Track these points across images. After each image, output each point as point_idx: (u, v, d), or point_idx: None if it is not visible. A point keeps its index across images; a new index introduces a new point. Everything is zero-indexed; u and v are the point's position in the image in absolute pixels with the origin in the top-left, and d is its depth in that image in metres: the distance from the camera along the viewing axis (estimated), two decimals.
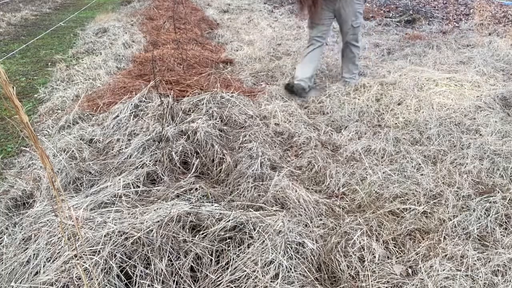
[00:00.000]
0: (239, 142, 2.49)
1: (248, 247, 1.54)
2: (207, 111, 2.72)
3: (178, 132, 2.36)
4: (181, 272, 1.42)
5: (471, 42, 5.21)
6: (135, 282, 1.37)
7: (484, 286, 1.52)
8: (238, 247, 1.56)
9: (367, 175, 2.24)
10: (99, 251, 1.39)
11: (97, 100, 3.02)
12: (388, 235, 1.78)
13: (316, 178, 2.30)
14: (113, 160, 2.19)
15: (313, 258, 1.58)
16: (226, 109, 2.79)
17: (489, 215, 1.88)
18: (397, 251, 1.71)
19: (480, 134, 2.72)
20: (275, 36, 5.69)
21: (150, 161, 2.11)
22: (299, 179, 2.25)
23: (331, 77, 3.95)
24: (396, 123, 2.98)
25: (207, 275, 1.45)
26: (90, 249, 1.39)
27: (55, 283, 1.31)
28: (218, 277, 1.45)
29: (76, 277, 1.32)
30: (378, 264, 1.63)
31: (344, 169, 2.32)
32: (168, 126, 2.40)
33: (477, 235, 1.79)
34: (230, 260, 1.50)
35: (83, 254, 1.35)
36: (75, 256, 1.36)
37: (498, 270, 1.58)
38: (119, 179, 1.90)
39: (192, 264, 1.47)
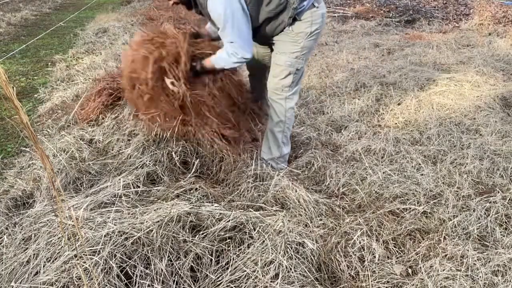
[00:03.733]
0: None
1: (248, 247, 1.54)
2: None
3: None
4: (181, 272, 1.42)
5: (471, 42, 5.21)
6: (135, 282, 1.37)
7: (484, 286, 1.51)
8: (238, 247, 1.56)
9: (367, 175, 2.24)
10: (99, 251, 1.39)
11: None
12: (388, 235, 1.78)
13: (316, 178, 2.30)
14: (113, 160, 2.19)
15: (313, 258, 1.58)
16: None
17: (489, 215, 1.88)
18: (397, 251, 1.71)
19: (480, 134, 2.72)
20: None
21: (150, 161, 2.11)
22: (299, 179, 2.25)
23: (330, 77, 3.95)
24: (396, 123, 2.98)
25: (207, 275, 1.45)
26: (90, 249, 1.39)
27: (55, 283, 1.31)
28: (218, 277, 1.45)
29: (76, 277, 1.32)
30: (378, 264, 1.63)
31: (344, 169, 2.32)
32: None
33: (477, 235, 1.79)
34: (230, 260, 1.50)
35: (83, 254, 1.35)
36: (75, 256, 1.36)
37: (498, 270, 1.58)
38: (119, 179, 1.90)
39: (192, 264, 1.47)
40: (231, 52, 1.96)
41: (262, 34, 2.10)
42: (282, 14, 1.99)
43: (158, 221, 1.54)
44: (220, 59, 2.04)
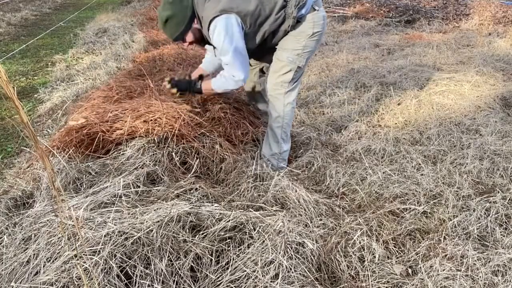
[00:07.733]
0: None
1: (248, 247, 1.54)
2: None
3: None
4: (181, 272, 1.42)
5: (471, 42, 5.21)
6: (135, 282, 1.37)
7: (484, 286, 1.51)
8: (238, 247, 1.56)
9: (367, 175, 2.24)
10: (99, 251, 1.39)
11: None
12: (388, 235, 1.78)
13: (316, 178, 2.30)
14: (113, 160, 2.18)
15: (313, 258, 1.58)
16: None
17: (489, 215, 1.88)
18: (397, 251, 1.71)
19: (480, 134, 2.72)
20: None
21: (150, 161, 2.11)
22: (299, 179, 2.25)
23: (330, 78, 3.95)
24: (396, 123, 2.98)
25: (207, 275, 1.45)
26: (90, 249, 1.39)
27: (55, 283, 1.31)
28: (218, 277, 1.45)
29: (76, 277, 1.32)
30: (378, 264, 1.63)
31: (344, 169, 2.32)
32: None
33: (477, 235, 1.79)
34: (230, 260, 1.50)
35: (83, 254, 1.35)
36: (75, 256, 1.36)
37: (498, 270, 1.58)
38: (119, 179, 1.90)
39: (192, 264, 1.47)
40: (228, 75, 2.09)
41: (268, 46, 2.21)
42: (283, 25, 2.09)
43: (158, 221, 1.54)
44: (218, 82, 2.18)
